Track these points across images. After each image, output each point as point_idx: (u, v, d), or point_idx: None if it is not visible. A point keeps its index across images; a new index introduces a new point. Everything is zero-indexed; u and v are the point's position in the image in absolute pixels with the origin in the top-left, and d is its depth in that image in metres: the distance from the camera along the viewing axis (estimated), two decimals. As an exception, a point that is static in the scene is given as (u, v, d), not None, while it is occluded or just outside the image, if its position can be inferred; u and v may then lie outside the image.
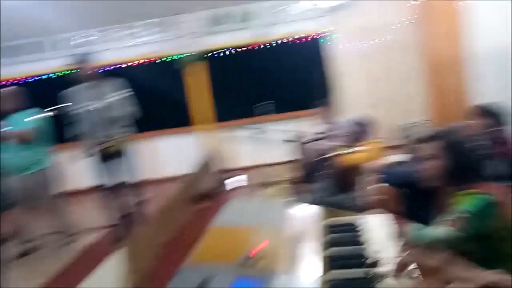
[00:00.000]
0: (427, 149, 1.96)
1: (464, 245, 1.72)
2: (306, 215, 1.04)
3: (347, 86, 6.32)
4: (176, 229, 3.97)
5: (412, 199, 2.66)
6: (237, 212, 1.00)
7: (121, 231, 4.05)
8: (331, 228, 1.01)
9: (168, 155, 6.77)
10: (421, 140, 2.67)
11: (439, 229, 1.70)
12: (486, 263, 1.73)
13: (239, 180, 5.39)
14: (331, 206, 3.54)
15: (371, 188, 2.74)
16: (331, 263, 0.83)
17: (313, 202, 3.46)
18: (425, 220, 2.39)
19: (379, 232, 0.99)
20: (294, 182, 4.49)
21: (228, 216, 0.98)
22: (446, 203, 1.98)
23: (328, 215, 1.08)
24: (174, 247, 3.20)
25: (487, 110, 3.25)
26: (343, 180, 3.47)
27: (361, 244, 0.93)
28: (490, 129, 3.13)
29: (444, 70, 5.76)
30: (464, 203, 1.72)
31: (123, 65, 6.77)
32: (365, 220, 1.05)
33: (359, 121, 3.70)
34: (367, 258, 0.83)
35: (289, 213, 0.99)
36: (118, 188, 4.12)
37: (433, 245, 1.69)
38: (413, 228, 1.73)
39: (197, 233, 3.54)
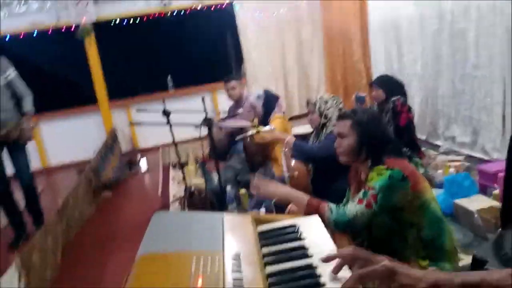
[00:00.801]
0: (337, 127, 2.00)
1: (376, 219, 1.81)
2: (238, 222, 0.95)
3: (251, 58, 6.28)
4: (79, 227, 3.64)
5: (323, 175, 2.74)
6: (164, 232, 0.87)
7: (14, 235, 3.59)
8: (268, 235, 0.95)
9: (59, 140, 6.10)
10: (328, 118, 2.77)
11: (351, 208, 1.76)
12: (398, 233, 1.86)
13: (144, 163, 5.16)
14: (243, 184, 3.56)
15: (283, 165, 2.75)
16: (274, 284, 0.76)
17: (226, 181, 3.46)
18: (336, 196, 2.50)
19: (320, 235, 0.93)
20: (205, 161, 4.39)
21: (155, 238, 0.85)
22: (357, 180, 2.07)
23: (260, 220, 1.00)
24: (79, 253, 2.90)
25: (384, 81, 3.46)
26: (254, 159, 3.46)
27: (305, 253, 0.86)
28: (388, 99, 3.34)
29: (339, 43, 6.02)
30: (373, 179, 1.79)
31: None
32: (302, 222, 0.99)
33: (265, 96, 3.69)
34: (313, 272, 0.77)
35: (221, 225, 0.90)
36: (7, 184, 3.61)
37: (350, 226, 1.75)
38: (330, 210, 1.76)
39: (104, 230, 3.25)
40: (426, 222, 1.85)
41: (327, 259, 0.77)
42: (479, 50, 3.51)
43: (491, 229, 2.35)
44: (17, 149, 3.51)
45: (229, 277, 0.72)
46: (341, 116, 2.03)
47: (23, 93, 3.53)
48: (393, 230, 1.88)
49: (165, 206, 3.75)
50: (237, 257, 0.79)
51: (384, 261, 0.69)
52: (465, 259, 2.07)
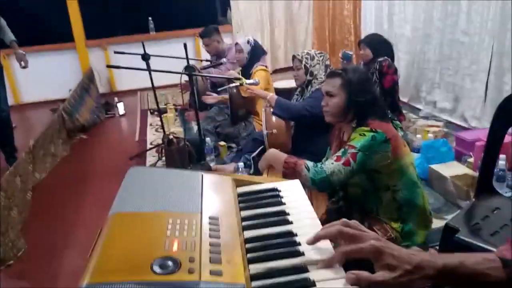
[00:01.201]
0: (326, 85, 1.95)
1: (353, 178, 1.82)
2: (218, 183, 0.91)
3: (238, 6, 6.00)
4: (52, 167, 3.55)
5: (304, 133, 2.71)
6: (139, 189, 0.83)
7: None
8: (248, 198, 0.92)
9: (32, 76, 5.79)
10: (313, 75, 2.70)
11: (328, 165, 1.75)
12: (373, 194, 1.89)
13: (121, 106, 5.02)
14: (223, 137, 3.52)
15: (263, 122, 2.71)
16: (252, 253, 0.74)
17: (205, 132, 3.40)
18: (316, 154, 2.49)
19: (301, 201, 0.91)
20: (185, 109, 4.30)
21: (130, 195, 0.81)
22: (339, 140, 2.05)
23: (240, 181, 0.97)
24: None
25: (373, 40, 3.37)
26: (238, 111, 3.40)
27: (286, 219, 0.84)
28: (374, 59, 3.28)
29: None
30: (355, 139, 1.78)
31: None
32: (283, 186, 0.96)
33: (254, 45, 3.56)
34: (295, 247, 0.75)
35: (199, 185, 0.86)
36: None
37: (326, 183, 1.75)
38: (307, 167, 1.75)
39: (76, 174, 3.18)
40: (402, 186, 1.88)
41: (313, 241, 0.74)
42: (471, 16, 3.44)
43: (463, 196, 2.42)
44: None
45: (206, 242, 0.69)
46: (331, 75, 1.97)
47: (2, 24, 3.49)
48: (368, 191, 1.90)
49: (142, 152, 3.69)
50: (215, 221, 0.76)
51: (372, 240, 0.68)
52: (435, 223, 2.13)
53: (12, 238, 2.40)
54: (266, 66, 3.49)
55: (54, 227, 2.73)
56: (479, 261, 0.69)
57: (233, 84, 2.95)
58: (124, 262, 0.63)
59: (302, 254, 0.72)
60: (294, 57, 2.75)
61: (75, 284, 0.60)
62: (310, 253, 0.72)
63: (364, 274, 0.64)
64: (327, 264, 0.70)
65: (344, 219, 0.73)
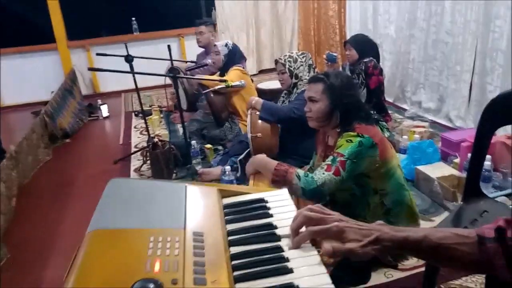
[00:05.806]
0: (308, 91, 1.93)
1: (342, 185, 1.80)
2: (202, 195, 0.88)
3: (222, 6, 5.95)
4: (35, 171, 3.45)
5: (290, 136, 2.69)
6: (120, 204, 0.79)
7: None
8: (234, 211, 0.88)
9: (13, 78, 5.65)
10: (298, 77, 2.68)
11: (319, 175, 1.72)
12: (361, 199, 1.87)
13: (105, 109, 4.93)
14: (208, 139, 3.48)
15: (248, 125, 2.67)
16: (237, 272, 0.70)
17: (190, 134, 3.36)
18: (302, 157, 2.47)
19: (289, 212, 0.88)
20: (170, 110, 4.25)
21: (110, 211, 0.77)
22: (325, 144, 2.03)
23: (226, 191, 0.94)
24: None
25: (358, 41, 3.37)
26: (221, 114, 3.36)
27: (273, 233, 0.81)
28: (360, 60, 3.28)
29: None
30: (343, 146, 1.76)
31: None
32: (271, 196, 0.93)
33: (233, 49, 3.53)
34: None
35: (183, 197, 0.82)
36: None
37: (317, 193, 1.72)
38: (297, 176, 1.72)
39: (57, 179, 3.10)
40: (389, 189, 1.87)
41: (294, 240, 0.78)
42: (454, 16, 3.47)
43: (449, 197, 2.42)
44: None
45: (190, 261, 0.66)
46: (313, 80, 1.95)
47: None
48: (356, 196, 1.88)
49: (126, 156, 3.62)
50: (199, 237, 0.72)
51: (335, 222, 0.75)
52: (422, 225, 2.13)
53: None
54: (243, 68, 3.47)
55: (36, 235, 2.66)
56: (447, 235, 0.71)
57: (218, 86, 2.91)
58: (103, 285, 0.59)
59: (290, 271, 0.69)
60: (276, 61, 2.74)
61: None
62: (299, 270, 0.70)
63: (337, 244, 0.71)
64: (297, 243, 0.76)
65: (308, 206, 0.80)
